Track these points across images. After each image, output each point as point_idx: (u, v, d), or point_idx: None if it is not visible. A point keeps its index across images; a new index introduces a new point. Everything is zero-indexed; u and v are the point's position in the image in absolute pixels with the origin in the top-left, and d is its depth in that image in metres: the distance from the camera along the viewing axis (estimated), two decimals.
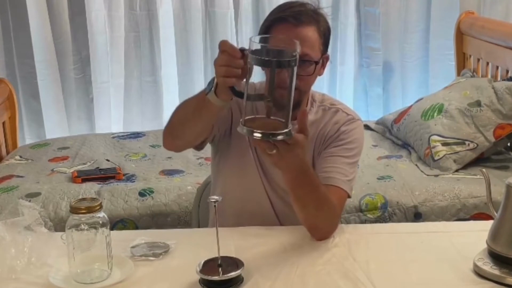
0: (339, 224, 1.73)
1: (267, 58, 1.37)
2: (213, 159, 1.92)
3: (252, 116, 1.43)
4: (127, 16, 3.86)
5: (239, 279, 1.45)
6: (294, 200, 1.64)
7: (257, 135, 1.37)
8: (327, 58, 1.82)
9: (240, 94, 1.45)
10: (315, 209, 1.64)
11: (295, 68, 1.37)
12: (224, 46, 1.44)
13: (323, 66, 1.81)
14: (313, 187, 1.61)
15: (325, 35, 1.77)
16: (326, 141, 1.81)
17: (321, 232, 1.68)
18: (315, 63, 1.73)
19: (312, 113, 1.84)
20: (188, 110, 1.65)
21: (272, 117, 1.40)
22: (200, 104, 1.58)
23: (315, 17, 1.74)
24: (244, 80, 1.45)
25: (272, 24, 1.73)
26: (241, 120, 1.41)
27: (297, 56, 1.37)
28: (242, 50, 1.43)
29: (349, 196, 1.77)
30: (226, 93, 1.49)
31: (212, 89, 1.50)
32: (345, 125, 1.81)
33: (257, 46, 1.38)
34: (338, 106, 1.86)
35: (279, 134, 1.38)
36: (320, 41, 1.74)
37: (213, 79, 1.52)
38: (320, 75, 1.80)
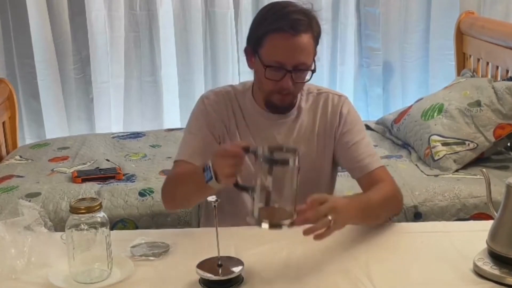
0: (398, 187, 1.87)
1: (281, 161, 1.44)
2: None
3: (261, 206, 1.46)
4: (127, 16, 3.86)
5: (239, 279, 1.45)
6: (366, 224, 1.74)
7: (265, 226, 1.43)
8: (315, 54, 1.85)
9: (243, 188, 1.52)
10: (385, 211, 1.77)
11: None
12: (227, 153, 1.50)
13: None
14: (371, 206, 1.69)
15: (317, 38, 1.82)
16: (332, 130, 1.89)
17: (394, 214, 1.87)
18: (311, 71, 1.79)
19: (303, 101, 1.91)
20: (190, 191, 1.72)
21: (277, 205, 1.46)
22: (201, 188, 1.62)
23: (309, 23, 1.77)
24: None
25: (268, 32, 1.76)
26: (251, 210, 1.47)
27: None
28: (246, 149, 1.50)
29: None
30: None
31: (213, 178, 1.56)
32: (343, 107, 1.90)
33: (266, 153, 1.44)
34: (325, 91, 1.94)
35: (285, 224, 1.44)
36: (313, 46, 1.80)
37: (207, 166, 1.57)
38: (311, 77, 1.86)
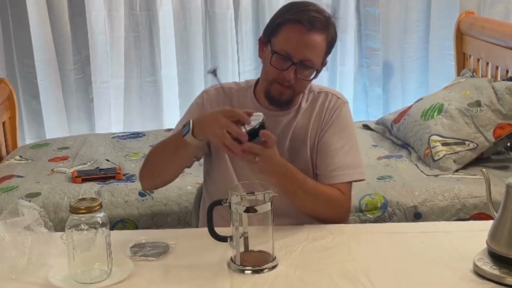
0: (349, 209, 1.86)
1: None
2: (204, 164, 2.03)
3: (241, 251, 1.52)
4: (127, 16, 3.87)
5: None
6: (290, 199, 1.75)
7: (248, 272, 1.50)
8: (325, 64, 1.89)
9: (222, 238, 1.54)
10: (312, 201, 1.77)
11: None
12: (231, 114, 1.60)
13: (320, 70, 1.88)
14: (299, 181, 1.73)
15: (331, 44, 1.85)
16: (324, 127, 1.88)
17: (329, 220, 1.79)
18: (316, 71, 1.81)
19: (304, 100, 1.92)
20: (167, 152, 1.77)
21: (256, 249, 1.55)
22: (179, 146, 1.71)
23: (327, 25, 1.81)
24: None
25: (285, 23, 1.80)
26: (232, 257, 1.53)
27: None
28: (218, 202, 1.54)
29: (362, 179, 1.88)
30: (203, 134, 1.64)
31: (190, 131, 1.64)
32: (338, 109, 1.89)
33: None
34: (326, 90, 1.94)
35: (266, 268, 1.51)
36: (325, 50, 1.83)
37: (188, 122, 1.66)
38: (315, 78, 1.88)
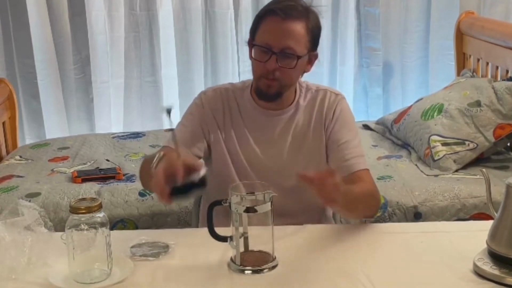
0: (378, 193, 1.89)
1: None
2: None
3: (241, 251, 1.52)
4: (127, 16, 3.87)
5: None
6: (345, 213, 1.84)
7: (248, 272, 1.50)
8: (316, 56, 1.91)
9: (222, 238, 1.54)
10: (363, 206, 1.80)
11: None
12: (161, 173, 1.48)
13: (310, 63, 1.90)
14: (350, 194, 1.66)
15: (313, 32, 1.85)
16: (325, 127, 1.91)
17: (371, 214, 1.92)
18: (297, 57, 1.81)
19: (302, 98, 1.94)
20: (147, 172, 1.71)
21: (256, 249, 1.54)
22: (150, 173, 1.62)
23: (305, 13, 1.82)
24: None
25: (263, 16, 1.83)
26: (232, 257, 1.53)
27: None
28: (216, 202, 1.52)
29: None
30: None
31: (154, 165, 1.58)
32: (339, 105, 1.92)
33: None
34: (323, 88, 1.97)
35: (266, 268, 1.51)
36: (306, 38, 1.83)
37: (158, 154, 1.60)
38: (306, 71, 1.90)
